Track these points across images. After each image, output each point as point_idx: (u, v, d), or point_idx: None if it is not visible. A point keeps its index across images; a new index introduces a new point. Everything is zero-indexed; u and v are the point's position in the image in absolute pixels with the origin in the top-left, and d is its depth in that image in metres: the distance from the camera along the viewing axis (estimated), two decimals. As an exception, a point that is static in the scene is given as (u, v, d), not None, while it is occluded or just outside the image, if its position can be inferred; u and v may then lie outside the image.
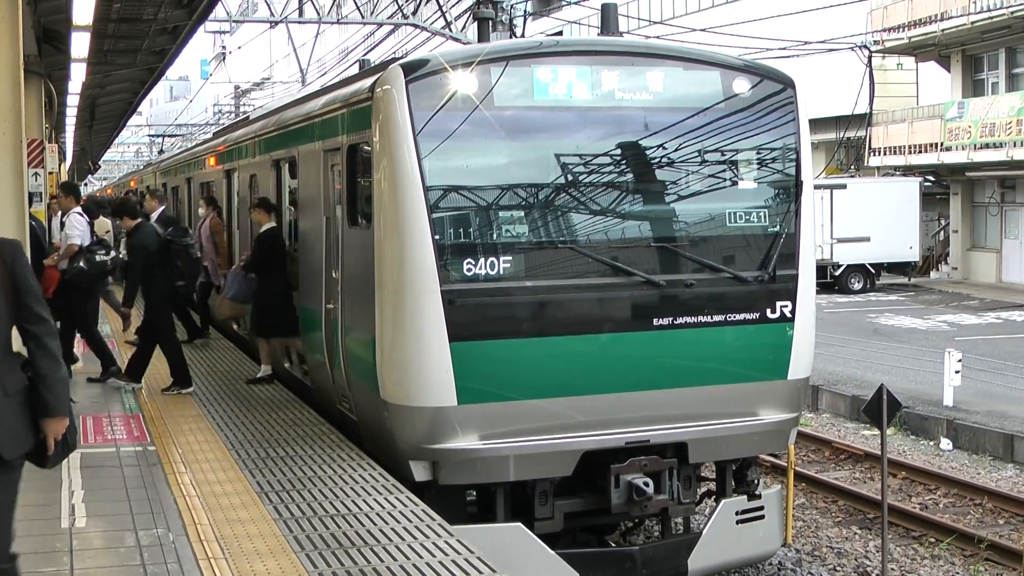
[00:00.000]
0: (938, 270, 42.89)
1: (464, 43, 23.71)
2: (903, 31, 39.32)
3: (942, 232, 43.49)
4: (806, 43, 32.56)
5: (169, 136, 75.14)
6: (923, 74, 44.12)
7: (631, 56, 10.12)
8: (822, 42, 33.31)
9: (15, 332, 5.72)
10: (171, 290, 13.10)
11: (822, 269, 35.64)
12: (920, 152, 38.68)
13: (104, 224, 19.25)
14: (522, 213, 9.63)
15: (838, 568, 12.61)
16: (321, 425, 11.16)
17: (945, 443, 17.87)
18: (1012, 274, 38.45)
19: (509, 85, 9.54)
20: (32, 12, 17.32)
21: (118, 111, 37.96)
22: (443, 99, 9.29)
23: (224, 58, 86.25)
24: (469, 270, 9.24)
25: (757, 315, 10.11)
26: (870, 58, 36.56)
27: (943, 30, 37.56)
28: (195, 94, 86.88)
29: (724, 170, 10.33)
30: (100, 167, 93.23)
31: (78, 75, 23.49)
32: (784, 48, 30.75)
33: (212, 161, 19.35)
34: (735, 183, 10.38)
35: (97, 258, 13.53)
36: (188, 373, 13.08)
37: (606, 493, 9.70)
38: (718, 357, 10.10)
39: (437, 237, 9.12)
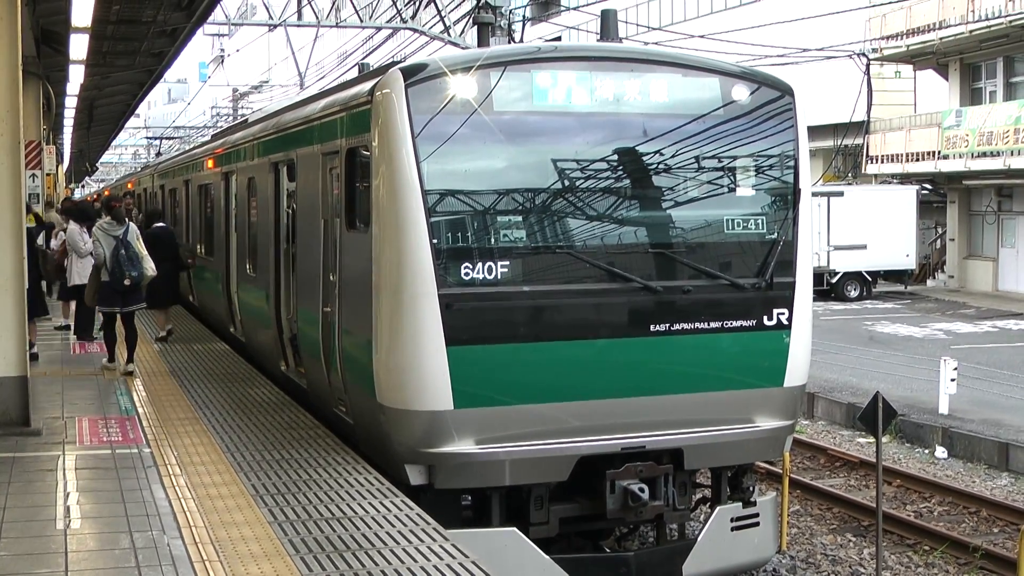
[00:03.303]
0: (934, 278, 42.91)
1: (463, 48, 23.73)
2: (901, 39, 39.37)
3: (939, 240, 43.53)
4: (805, 50, 32.62)
5: (167, 138, 75.15)
6: (921, 82, 44.19)
7: (630, 62, 10.12)
8: (820, 49, 33.38)
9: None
10: None
11: (819, 276, 35.70)
12: (917, 160, 38.71)
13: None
14: (520, 218, 9.63)
15: (832, 575, 12.61)
16: (317, 428, 11.15)
17: (940, 451, 17.88)
18: (1008, 283, 38.48)
19: (508, 90, 9.55)
20: (31, 13, 17.34)
21: (116, 113, 38.03)
22: (442, 103, 9.29)
23: (223, 61, 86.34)
24: (466, 274, 9.24)
25: (754, 322, 10.12)
26: (868, 66, 36.63)
27: (941, 39, 37.62)
28: (193, 96, 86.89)
29: (722, 177, 10.33)
30: (98, 169, 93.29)
31: (76, 77, 23.54)
32: (783, 55, 30.81)
33: (210, 164, 19.35)
34: (733, 190, 10.38)
35: None
36: None
37: (602, 498, 9.70)
38: (714, 363, 10.10)
39: (435, 241, 9.12)
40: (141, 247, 14.54)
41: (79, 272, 17.27)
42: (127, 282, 14.26)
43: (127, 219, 14.70)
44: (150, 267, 14.51)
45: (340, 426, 10.95)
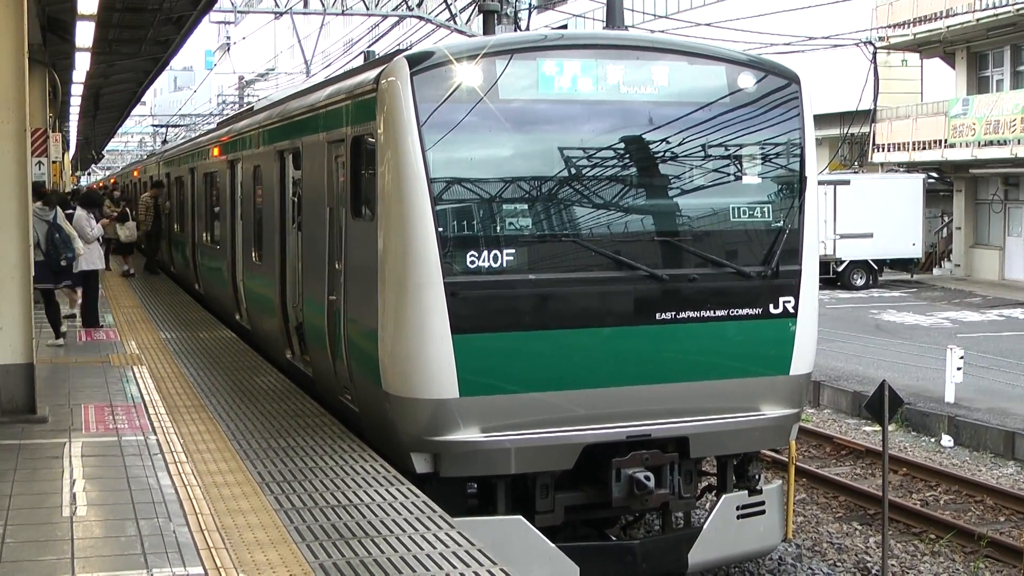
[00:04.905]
0: (941, 267, 42.87)
1: (469, 36, 23.70)
2: (908, 27, 39.28)
3: (945, 229, 43.47)
4: (811, 39, 32.51)
5: (173, 126, 75.16)
6: (928, 71, 44.09)
7: (636, 50, 10.10)
8: (827, 38, 33.26)
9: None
10: None
11: (825, 265, 35.65)
12: (924, 149, 38.64)
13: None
14: (526, 206, 9.63)
15: (838, 564, 12.62)
16: (323, 416, 11.16)
17: (946, 440, 17.88)
18: (1015, 271, 38.44)
19: (514, 78, 9.52)
20: (36, 1, 17.33)
21: (122, 101, 38.04)
22: (448, 91, 9.27)
23: (228, 48, 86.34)
24: (472, 262, 9.23)
25: (760, 310, 10.11)
26: (875, 54, 36.47)
27: (948, 27, 37.53)
28: (199, 84, 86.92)
29: (728, 165, 10.31)
30: (104, 157, 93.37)
31: (82, 64, 23.53)
32: (789, 43, 30.72)
33: (216, 152, 19.35)
34: (739, 178, 10.38)
35: None
36: None
37: (607, 487, 9.70)
38: (720, 352, 10.09)
39: (440, 229, 9.11)
40: (69, 228, 15.63)
41: (86, 258, 17.31)
42: (63, 262, 15.30)
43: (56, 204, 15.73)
44: (79, 247, 15.73)
45: (346, 414, 10.97)
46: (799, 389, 10.52)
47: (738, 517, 10.48)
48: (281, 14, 32.32)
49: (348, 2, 30.05)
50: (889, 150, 40.69)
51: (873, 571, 12.40)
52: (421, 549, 7.21)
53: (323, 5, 30.00)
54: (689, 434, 9.96)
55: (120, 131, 72.81)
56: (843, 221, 37.20)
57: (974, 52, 40.03)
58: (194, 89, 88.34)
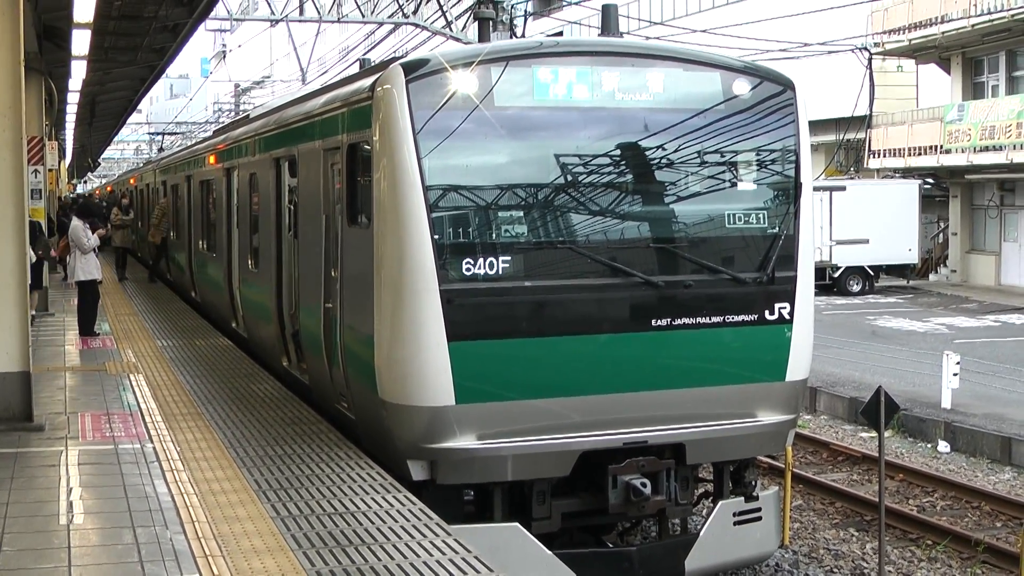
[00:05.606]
0: (937, 272, 42.88)
1: (464, 43, 23.71)
2: (903, 33, 39.33)
3: (941, 234, 43.50)
4: (806, 45, 32.58)
5: (169, 134, 75.15)
6: (923, 76, 44.15)
7: (631, 57, 10.12)
8: (822, 44, 33.32)
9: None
10: None
11: (821, 271, 35.67)
12: (920, 154, 38.68)
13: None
14: (521, 213, 9.63)
15: (835, 570, 12.62)
16: (319, 424, 11.16)
17: (943, 445, 17.88)
18: (1011, 277, 38.45)
19: (509, 85, 9.54)
20: (33, 9, 17.35)
21: (118, 109, 38.04)
22: (443, 99, 9.29)
23: (224, 56, 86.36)
24: (468, 270, 9.24)
25: (755, 316, 10.12)
26: (870, 60, 36.59)
27: (943, 32, 37.58)
28: (195, 92, 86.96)
29: (724, 171, 10.33)
30: (100, 164, 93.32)
31: (78, 72, 23.57)
32: (784, 49, 30.77)
33: (212, 159, 19.35)
34: (734, 184, 10.38)
35: None
36: None
37: (604, 493, 9.71)
38: (716, 358, 10.10)
39: (436, 237, 9.13)
40: None
41: (83, 268, 17.32)
42: None
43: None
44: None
45: (342, 421, 10.97)
46: (795, 395, 10.53)
47: (735, 523, 10.48)
48: (277, 22, 32.31)
49: (344, 10, 30.06)
50: (885, 156, 40.72)
51: (870, 577, 12.41)
52: (418, 556, 7.21)
53: (319, 13, 29.97)
54: (685, 440, 9.97)
55: (116, 139, 72.82)
56: (839, 227, 37.24)
57: (969, 58, 40.09)
58: (190, 97, 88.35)
